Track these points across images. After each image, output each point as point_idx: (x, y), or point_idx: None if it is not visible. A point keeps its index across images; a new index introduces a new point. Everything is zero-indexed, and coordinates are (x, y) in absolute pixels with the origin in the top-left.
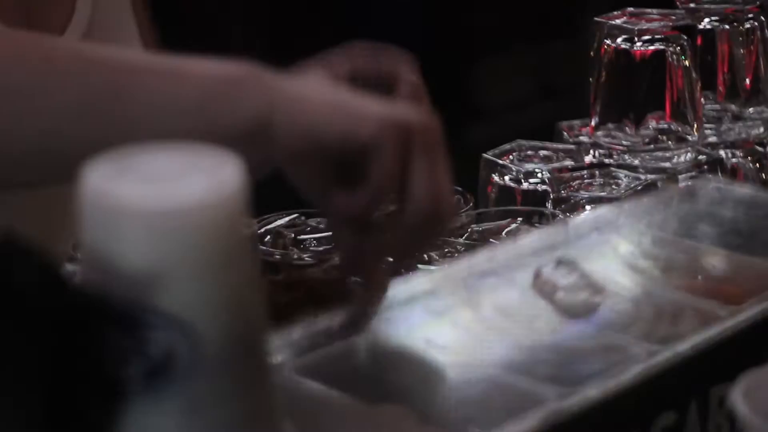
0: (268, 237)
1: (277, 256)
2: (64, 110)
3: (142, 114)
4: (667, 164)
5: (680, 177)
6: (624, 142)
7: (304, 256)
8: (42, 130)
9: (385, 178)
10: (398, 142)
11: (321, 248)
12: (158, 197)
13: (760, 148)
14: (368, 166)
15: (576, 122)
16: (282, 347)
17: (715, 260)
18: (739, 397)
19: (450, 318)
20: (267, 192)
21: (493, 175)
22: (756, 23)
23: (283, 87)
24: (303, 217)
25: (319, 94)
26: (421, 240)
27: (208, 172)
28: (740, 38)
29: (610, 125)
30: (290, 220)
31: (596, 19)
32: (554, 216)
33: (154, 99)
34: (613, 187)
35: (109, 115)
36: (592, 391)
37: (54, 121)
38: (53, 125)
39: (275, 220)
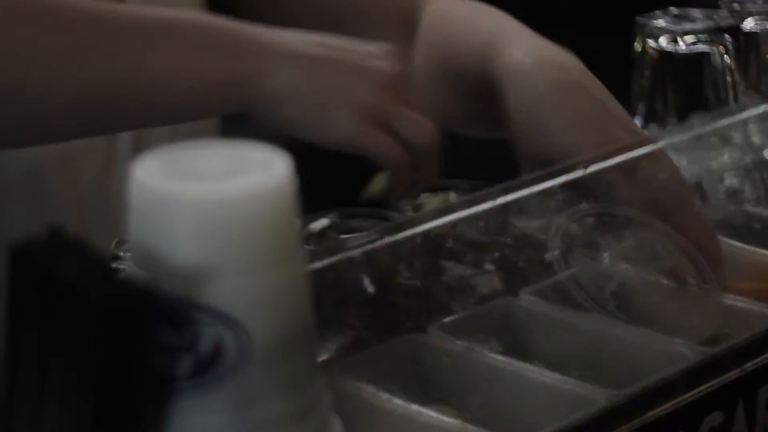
0: (311, 237)
1: None
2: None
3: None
4: (713, 163)
5: (725, 175)
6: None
7: None
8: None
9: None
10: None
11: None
12: (207, 191)
13: None
14: None
15: None
16: (330, 345)
17: (761, 261)
18: None
19: None
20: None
21: None
22: None
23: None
24: (340, 217)
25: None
26: None
27: (257, 167)
28: None
29: (653, 125)
30: (329, 219)
31: (638, 19)
32: None
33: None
34: None
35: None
36: (640, 392)
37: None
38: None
39: (314, 220)
